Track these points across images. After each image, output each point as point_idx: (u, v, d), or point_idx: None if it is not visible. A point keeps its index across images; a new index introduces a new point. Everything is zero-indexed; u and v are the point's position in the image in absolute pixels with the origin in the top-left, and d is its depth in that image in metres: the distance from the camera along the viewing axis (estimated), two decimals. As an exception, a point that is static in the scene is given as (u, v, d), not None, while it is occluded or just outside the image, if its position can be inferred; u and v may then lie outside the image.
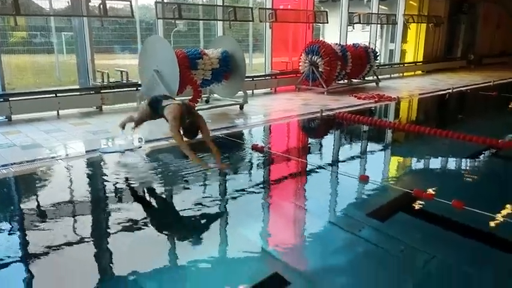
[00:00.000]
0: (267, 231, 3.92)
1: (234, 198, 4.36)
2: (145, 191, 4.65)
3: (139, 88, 8.82)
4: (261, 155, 6.03)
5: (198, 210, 4.05)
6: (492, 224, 3.94)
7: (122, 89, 9.10)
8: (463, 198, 4.20)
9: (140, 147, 6.07)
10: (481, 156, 6.34)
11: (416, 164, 6.23)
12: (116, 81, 9.28)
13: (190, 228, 3.85)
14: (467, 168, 5.97)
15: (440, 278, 3.19)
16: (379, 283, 3.10)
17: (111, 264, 3.27)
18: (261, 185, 4.82)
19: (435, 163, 6.24)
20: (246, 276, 3.03)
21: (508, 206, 4.32)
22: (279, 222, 4.07)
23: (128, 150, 5.93)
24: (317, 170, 5.46)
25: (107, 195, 4.53)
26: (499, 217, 4.03)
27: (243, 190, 4.43)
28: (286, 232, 3.89)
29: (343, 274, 3.21)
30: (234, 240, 3.65)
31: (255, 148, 6.16)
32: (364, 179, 4.93)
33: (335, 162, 6.07)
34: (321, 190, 4.83)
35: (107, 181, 4.88)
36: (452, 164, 6.15)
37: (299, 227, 4.04)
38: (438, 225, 4.01)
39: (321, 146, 7.23)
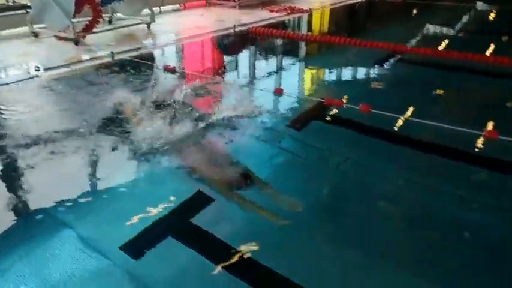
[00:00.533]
0: (186, 151, 3.86)
1: (148, 120, 4.18)
2: (47, 122, 4.28)
3: (29, 10, 7.79)
4: (174, 75, 5.78)
5: (109, 136, 3.85)
6: (397, 123, 4.25)
7: (7, 12, 7.98)
8: (371, 103, 4.44)
9: (37, 76, 5.50)
10: (388, 62, 6.64)
11: (328, 74, 6.40)
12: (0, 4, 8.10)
13: (102, 154, 3.67)
14: (375, 74, 6.25)
15: (354, 177, 3.44)
16: (300, 188, 3.26)
17: (23, 201, 3.06)
18: (176, 106, 4.65)
19: (345, 72, 6.45)
20: (169, 197, 3.01)
21: (411, 107, 4.64)
22: (198, 140, 4.01)
23: (23, 80, 5.35)
24: (232, 87, 5.39)
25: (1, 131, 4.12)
26: (403, 117, 4.33)
27: (157, 111, 4.25)
28: (206, 149, 3.87)
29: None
30: (154, 162, 3.56)
31: (166, 69, 5.88)
32: (278, 92, 4.98)
33: (250, 78, 6.02)
34: (237, 105, 4.78)
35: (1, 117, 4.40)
36: (361, 71, 6.39)
37: (219, 144, 4.03)
38: (349, 129, 4.22)
39: (236, 62, 7.09)
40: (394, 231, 2.84)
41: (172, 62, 6.46)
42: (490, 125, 4.09)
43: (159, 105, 4.16)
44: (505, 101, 4.95)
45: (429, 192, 3.22)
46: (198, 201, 2.99)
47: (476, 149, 3.79)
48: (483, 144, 3.83)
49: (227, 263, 2.41)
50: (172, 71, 5.83)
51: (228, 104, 4.94)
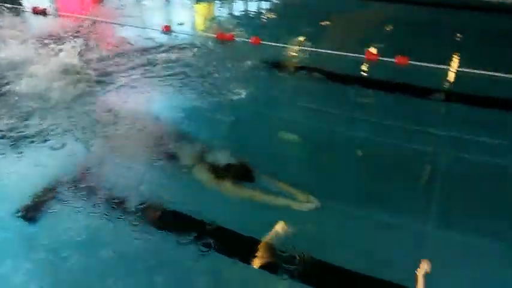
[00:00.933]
0: (71, 103, 3.52)
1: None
2: None
3: None
4: (46, 18, 5.16)
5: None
6: (288, 53, 4.30)
7: None
8: (260, 35, 4.43)
9: None
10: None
11: (219, 8, 6.19)
12: None
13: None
14: (266, 6, 6.17)
15: (252, 109, 3.46)
16: (202, 127, 3.23)
17: None
18: (50, 54, 4.19)
19: (236, 5, 6.27)
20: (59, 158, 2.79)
21: (301, 36, 4.69)
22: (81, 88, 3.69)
23: None
24: (114, 26, 4.98)
25: None
26: (294, 47, 4.39)
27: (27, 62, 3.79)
28: (93, 97, 3.58)
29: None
30: (34, 125, 3.18)
31: (36, 11, 5.21)
32: (167, 30, 4.73)
33: (134, 16, 5.58)
34: (121, 46, 4.44)
35: None
36: (252, 3, 6.27)
37: (107, 91, 3.75)
38: (240, 61, 4.16)
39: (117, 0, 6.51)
40: (298, 154, 2.96)
41: (43, 3, 5.73)
42: (371, 48, 4.32)
43: (27, 56, 3.68)
44: (384, 24, 5.24)
45: (324, 116, 3.35)
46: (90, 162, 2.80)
47: (361, 72, 4.00)
48: (367, 67, 4.06)
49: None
50: (43, 13, 5.19)
51: (110, 43, 4.56)
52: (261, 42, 4.33)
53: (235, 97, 3.57)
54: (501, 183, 2.65)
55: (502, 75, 3.73)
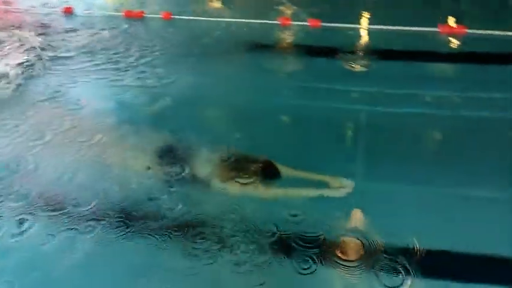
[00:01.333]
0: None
1: None
2: None
3: None
4: None
5: None
6: (200, 26, 4.16)
7: None
8: (171, 9, 4.27)
9: None
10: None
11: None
12: None
13: None
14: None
15: (182, 86, 3.34)
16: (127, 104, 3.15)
17: None
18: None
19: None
20: None
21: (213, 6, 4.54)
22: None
23: None
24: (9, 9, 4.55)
25: None
26: (205, 19, 4.24)
27: None
28: None
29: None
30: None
31: None
32: (68, 11, 4.40)
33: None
34: (15, 33, 4.06)
35: None
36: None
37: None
38: (155, 41, 3.97)
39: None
40: (222, 124, 2.99)
41: None
42: (284, 14, 4.29)
43: None
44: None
45: (250, 86, 3.32)
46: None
47: (280, 38, 3.96)
48: (284, 32, 4.03)
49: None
50: None
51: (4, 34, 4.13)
52: (172, 16, 4.15)
53: (164, 83, 3.38)
54: (422, 132, 2.83)
55: (413, 28, 3.86)
